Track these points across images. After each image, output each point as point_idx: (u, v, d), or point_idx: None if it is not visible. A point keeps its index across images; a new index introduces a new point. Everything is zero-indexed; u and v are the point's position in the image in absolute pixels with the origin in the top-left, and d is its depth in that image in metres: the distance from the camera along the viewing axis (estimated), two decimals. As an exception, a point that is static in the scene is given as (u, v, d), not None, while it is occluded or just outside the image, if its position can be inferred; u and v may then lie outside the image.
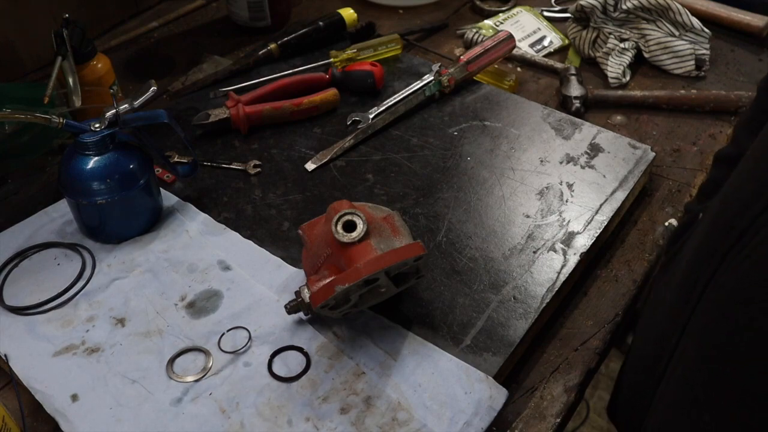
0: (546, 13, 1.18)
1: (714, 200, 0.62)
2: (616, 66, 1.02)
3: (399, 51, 1.03)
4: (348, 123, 0.92)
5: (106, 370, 0.65)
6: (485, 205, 0.80)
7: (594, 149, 0.86)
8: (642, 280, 0.77)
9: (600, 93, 0.99)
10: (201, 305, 0.70)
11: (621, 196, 0.81)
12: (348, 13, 1.07)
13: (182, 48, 1.11)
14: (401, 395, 0.62)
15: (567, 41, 1.11)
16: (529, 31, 1.13)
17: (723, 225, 0.53)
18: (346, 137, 0.89)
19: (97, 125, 0.72)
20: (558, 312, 0.73)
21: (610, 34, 1.05)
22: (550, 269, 0.73)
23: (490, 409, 0.61)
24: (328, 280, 0.63)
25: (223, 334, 0.67)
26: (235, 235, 0.77)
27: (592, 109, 0.99)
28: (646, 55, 1.05)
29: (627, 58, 1.03)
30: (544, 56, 1.09)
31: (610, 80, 1.02)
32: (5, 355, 0.66)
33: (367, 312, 0.69)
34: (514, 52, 1.06)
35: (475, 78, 0.99)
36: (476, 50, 0.98)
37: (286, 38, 1.03)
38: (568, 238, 0.76)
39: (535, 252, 0.75)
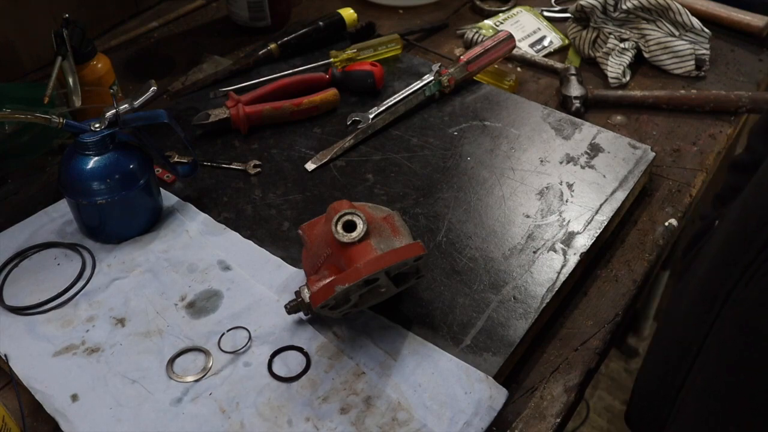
0: (546, 13, 1.18)
1: (731, 208, 0.62)
2: (616, 66, 1.02)
3: (399, 51, 1.03)
4: (348, 123, 0.92)
5: (106, 370, 0.65)
6: (485, 205, 0.80)
7: (594, 149, 0.86)
8: (642, 280, 0.77)
9: (600, 93, 0.99)
10: (201, 305, 0.70)
11: (621, 196, 0.81)
12: (348, 13, 1.07)
13: (182, 48, 1.11)
14: (401, 395, 0.62)
15: (567, 41, 1.11)
16: (529, 31, 1.13)
17: (742, 238, 0.54)
18: (346, 137, 0.89)
19: (97, 125, 0.72)
20: (558, 312, 0.73)
21: (610, 34, 1.05)
22: (550, 269, 0.73)
23: (490, 409, 0.61)
24: (328, 280, 0.63)
25: (223, 334, 0.68)
26: (235, 235, 0.77)
27: (592, 109, 0.99)
28: (646, 55, 1.05)
29: (627, 58, 1.03)
30: (544, 56, 1.09)
31: (610, 80, 1.02)
32: (5, 355, 0.66)
33: (367, 312, 0.69)
34: (514, 52, 1.06)
35: (475, 78, 0.99)
36: (476, 50, 0.98)
37: (286, 38, 1.03)
38: (568, 238, 0.76)
39: (535, 252, 0.75)
